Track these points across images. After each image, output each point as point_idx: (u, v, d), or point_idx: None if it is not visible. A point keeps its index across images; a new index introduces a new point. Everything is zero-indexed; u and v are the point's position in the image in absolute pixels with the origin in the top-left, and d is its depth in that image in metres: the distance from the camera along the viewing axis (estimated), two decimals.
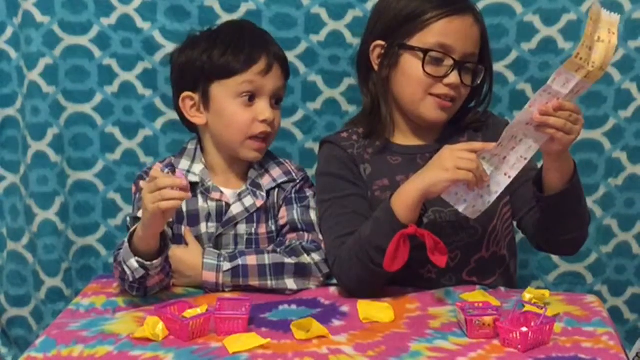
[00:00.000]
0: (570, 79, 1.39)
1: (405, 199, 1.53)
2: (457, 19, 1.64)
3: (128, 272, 1.51)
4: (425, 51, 1.63)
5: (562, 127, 1.44)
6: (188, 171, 1.72)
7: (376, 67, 1.71)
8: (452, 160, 1.48)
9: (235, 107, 1.68)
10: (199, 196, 1.72)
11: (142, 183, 1.53)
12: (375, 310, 1.52)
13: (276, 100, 1.72)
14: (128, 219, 1.71)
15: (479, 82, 1.69)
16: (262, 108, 1.68)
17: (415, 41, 1.65)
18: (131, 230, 1.54)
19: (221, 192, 1.72)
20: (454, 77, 1.64)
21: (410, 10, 1.66)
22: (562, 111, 1.43)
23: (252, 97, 1.68)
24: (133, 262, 1.50)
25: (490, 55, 1.72)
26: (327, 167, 1.73)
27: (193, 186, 1.71)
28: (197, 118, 1.73)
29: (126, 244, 1.52)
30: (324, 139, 1.80)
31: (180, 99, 1.74)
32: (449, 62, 1.64)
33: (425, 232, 1.52)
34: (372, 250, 1.54)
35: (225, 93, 1.68)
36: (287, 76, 1.76)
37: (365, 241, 1.56)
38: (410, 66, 1.66)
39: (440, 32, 1.63)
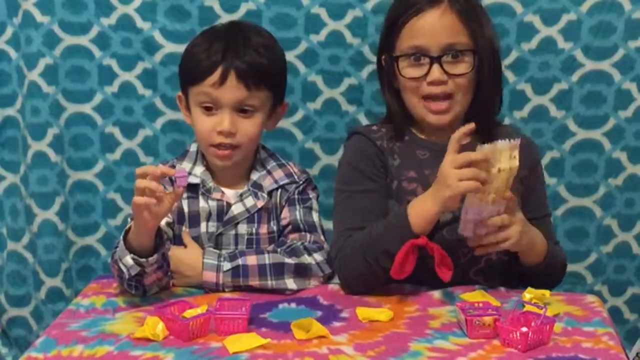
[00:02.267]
0: (480, 208, 1.52)
1: (421, 211, 1.54)
2: (423, 16, 1.61)
3: (124, 269, 1.52)
4: (397, 58, 1.64)
5: (499, 240, 1.55)
6: (190, 173, 1.72)
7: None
8: (453, 175, 1.48)
9: (197, 114, 1.68)
10: (200, 197, 1.72)
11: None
12: (374, 313, 1.52)
13: (243, 110, 1.67)
14: (129, 219, 1.71)
15: (471, 68, 1.63)
16: (220, 119, 1.65)
17: (396, 50, 1.65)
18: (126, 227, 1.54)
19: (222, 192, 1.72)
20: (434, 74, 1.61)
21: (389, 20, 1.67)
22: (491, 229, 1.53)
23: (211, 108, 1.66)
24: (128, 259, 1.50)
25: (483, 34, 1.64)
26: (351, 158, 1.73)
27: (194, 187, 1.71)
28: (187, 118, 1.75)
29: (121, 242, 1.53)
30: (353, 130, 1.79)
31: (176, 97, 1.76)
32: (426, 60, 1.62)
33: (435, 246, 1.53)
34: (379, 251, 1.55)
35: (192, 99, 1.69)
36: (257, 86, 1.65)
37: (375, 241, 1.57)
38: (399, 74, 1.66)
39: (409, 35, 1.62)
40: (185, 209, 1.71)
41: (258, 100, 1.67)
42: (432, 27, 1.61)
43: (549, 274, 1.67)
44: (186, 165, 1.73)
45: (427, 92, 1.63)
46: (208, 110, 1.66)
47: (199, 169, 1.73)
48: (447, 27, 1.61)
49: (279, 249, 1.65)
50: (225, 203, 1.72)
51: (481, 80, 1.65)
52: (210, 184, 1.72)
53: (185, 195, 1.71)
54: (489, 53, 1.64)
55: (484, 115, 1.67)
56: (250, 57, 1.64)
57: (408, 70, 1.64)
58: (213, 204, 1.72)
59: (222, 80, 1.63)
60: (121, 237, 1.54)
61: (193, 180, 1.71)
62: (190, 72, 1.68)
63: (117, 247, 1.56)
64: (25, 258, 2.17)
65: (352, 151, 1.73)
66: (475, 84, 1.65)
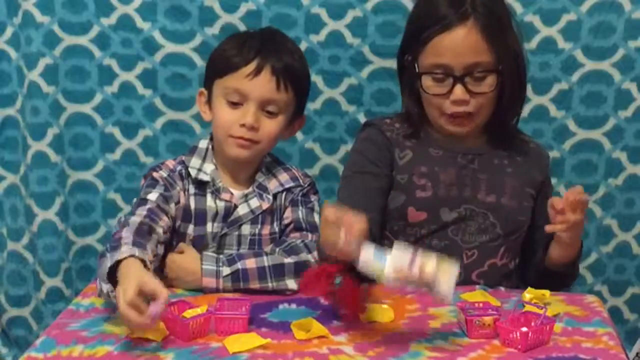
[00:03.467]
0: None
1: None
2: (448, 35, 1.58)
3: (104, 292, 1.44)
4: (421, 75, 1.62)
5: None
6: (199, 169, 1.72)
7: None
8: None
9: (222, 106, 1.68)
10: (209, 195, 1.71)
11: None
12: (375, 312, 1.52)
13: (267, 110, 1.67)
14: (135, 200, 1.69)
15: (494, 87, 1.61)
16: (244, 112, 1.66)
17: (420, 60, 1.63)
18: (119, 258, 1.41)
19: (231, 193, 1.72)
20: (457, 93, 1.60)
21: (415, 26, 1.65)
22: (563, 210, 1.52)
23: (239, 101, 1.66)
24: (107, 290, 1.43)
25: (507, 49, 1.61)
26: (359, 147, 1.74)
27: (202, 185, 1.71)
28: (205, 114, 1.75)
29: (103, 271, 1.42)
30: (366, 122, 1.80)
31: (197, 93, 1.76)
32: (449, 79, 1.60)
33: (348, 280, 1.43)
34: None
35: (218, 91, 1.69)
36: (286, 87, 1.67)
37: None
38: (422, 90, 1.64)
39: (433, 52, 1.60)
40: (192, 206, 1.70)
41: (283, 103, 1.68)
42: (457, 46, 1.58)
43: (568, 275, 1.67)
44: (195, 161, 1.73)
45: (451, 110, 1.62)
46: (234, 105, 1.67)
47: (209, 167, 1.73)
48: (471, 46, 1.59)
49: (277, 248, 1.65)
50: (233, 204, 1.71)
51: (503, 94, 1.64)
52: (220, 183, 1.72)
53: (192, 191, 1.70)
54: (512, 67, 1.63)
55: (503, 124, 1.69)
56: (287, 58, 1.68)
57: (431, 87, 1.62)
58: (221, 204, 1.71)
59: (257, 71, 1.65)
60: (107, 266, 1.41)
61: (202, 177, 1.71)
62: (224, 63, 1.68)
63: (103, 255, 1.46)
64: (25, 258, 2.17)
65: (362, 141, 1.75)
66: (498, 97, 1.65)
